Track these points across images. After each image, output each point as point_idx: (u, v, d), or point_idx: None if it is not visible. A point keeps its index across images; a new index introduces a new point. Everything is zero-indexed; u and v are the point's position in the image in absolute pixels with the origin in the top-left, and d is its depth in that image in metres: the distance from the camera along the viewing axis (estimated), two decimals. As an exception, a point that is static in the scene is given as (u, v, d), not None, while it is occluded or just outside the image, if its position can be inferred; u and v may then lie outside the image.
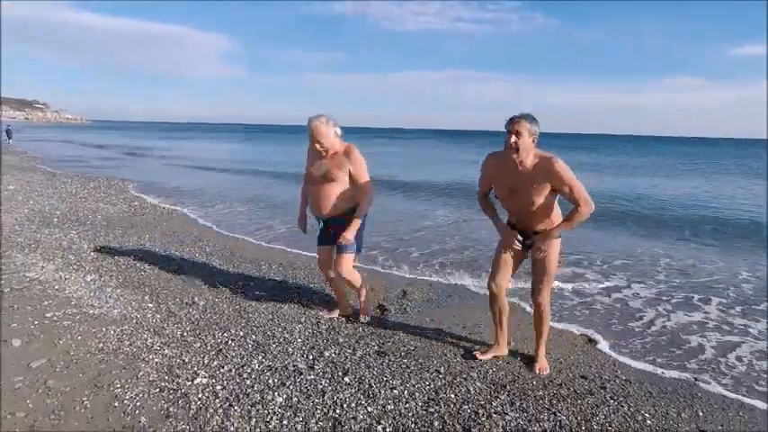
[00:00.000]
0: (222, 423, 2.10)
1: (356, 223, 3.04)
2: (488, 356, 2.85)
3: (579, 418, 2.28)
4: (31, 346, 2.70)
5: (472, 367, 2.73)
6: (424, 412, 2.24)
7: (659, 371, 2.91)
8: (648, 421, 2.29)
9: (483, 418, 2.21)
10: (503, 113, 2.59)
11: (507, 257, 2.71)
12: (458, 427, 2.14)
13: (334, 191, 3.03)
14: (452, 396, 2.40)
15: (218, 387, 2.39)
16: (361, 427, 2.10)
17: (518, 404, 2.36)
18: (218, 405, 2.23)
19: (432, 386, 2.49)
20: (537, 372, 2.71)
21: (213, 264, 4.79)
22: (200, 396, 2.30)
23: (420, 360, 2.79)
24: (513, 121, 2.38)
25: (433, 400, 2.35)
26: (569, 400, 2.43)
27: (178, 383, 2.40)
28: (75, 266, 4.31)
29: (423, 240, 6.58)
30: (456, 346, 3.05)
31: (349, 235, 3.02)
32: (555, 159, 2.41)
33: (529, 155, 2.42)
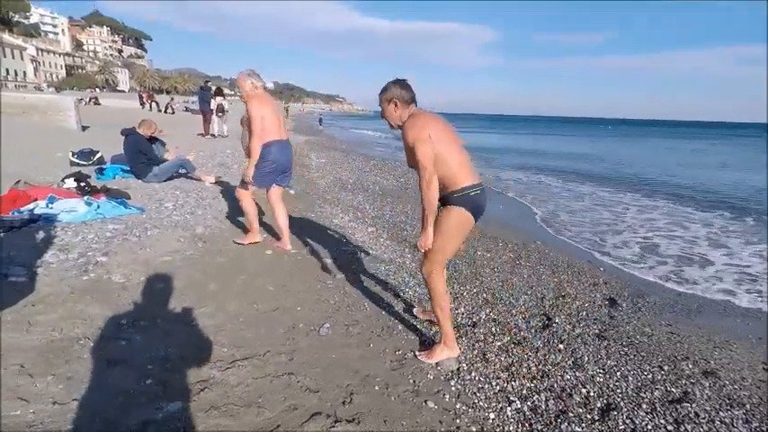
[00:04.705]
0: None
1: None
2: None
3: None
4: (334, 264, 3.93)
5: (707, 378, 2.55)
6: (634, 395, 2.31)
7: None
8: None
9: (703, 421, 2.13)
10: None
11: None
12: (669, 417, 2.14)
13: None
14: (672, 390, 2.36)
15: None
16: (567, 384, 2.36)
17: (755, 425, 2.14)
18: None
19: (649, 377, 2.49)
20: (418, 356, 2.46)
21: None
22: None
23: (642, 353, 2.76)
24: None
25: (646, 387, 2.38)
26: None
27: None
28: (361, 220, 5.74)
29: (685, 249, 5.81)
30: (692, 353, 2.84)
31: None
32: (410, 117, 2.32)
33: (397, 120, 2.37)
